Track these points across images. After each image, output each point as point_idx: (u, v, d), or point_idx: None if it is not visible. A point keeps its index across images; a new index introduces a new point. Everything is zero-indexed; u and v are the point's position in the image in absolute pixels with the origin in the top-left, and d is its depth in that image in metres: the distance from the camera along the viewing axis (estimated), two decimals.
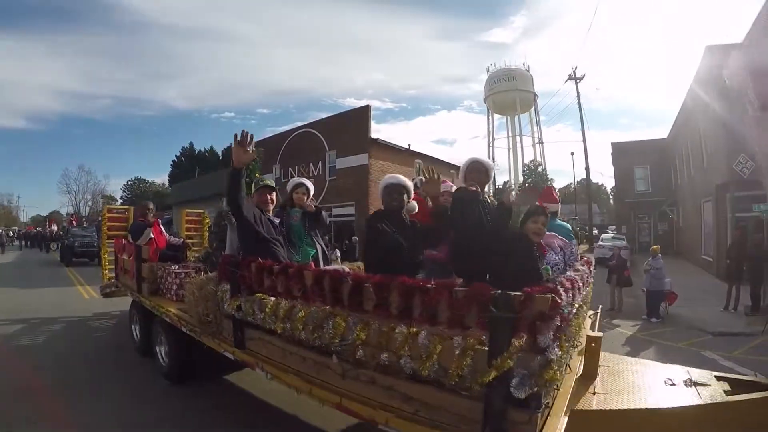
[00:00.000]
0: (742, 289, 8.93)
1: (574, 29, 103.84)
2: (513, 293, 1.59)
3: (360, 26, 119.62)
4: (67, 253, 17.27)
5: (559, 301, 1.59)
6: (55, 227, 29.11)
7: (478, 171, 3.10)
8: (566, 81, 23.48)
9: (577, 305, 2.14)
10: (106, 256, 7.57)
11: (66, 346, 5.61)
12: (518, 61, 47.11)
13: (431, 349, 1.74)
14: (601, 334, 2.99)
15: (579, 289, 2.16)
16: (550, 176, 37.96)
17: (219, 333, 3.28)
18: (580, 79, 23.03)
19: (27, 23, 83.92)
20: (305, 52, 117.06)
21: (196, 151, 48.33)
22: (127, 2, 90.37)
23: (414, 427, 1.85)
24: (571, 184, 39.68)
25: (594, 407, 2.43)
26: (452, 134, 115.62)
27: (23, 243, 31.31)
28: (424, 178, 2.94)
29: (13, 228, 44.12)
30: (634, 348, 6.50)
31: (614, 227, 29.73)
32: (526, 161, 42.54)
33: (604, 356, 3.08)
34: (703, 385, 2.71)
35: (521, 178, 39.15)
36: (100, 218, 10.07)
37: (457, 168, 19.75)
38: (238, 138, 2.74)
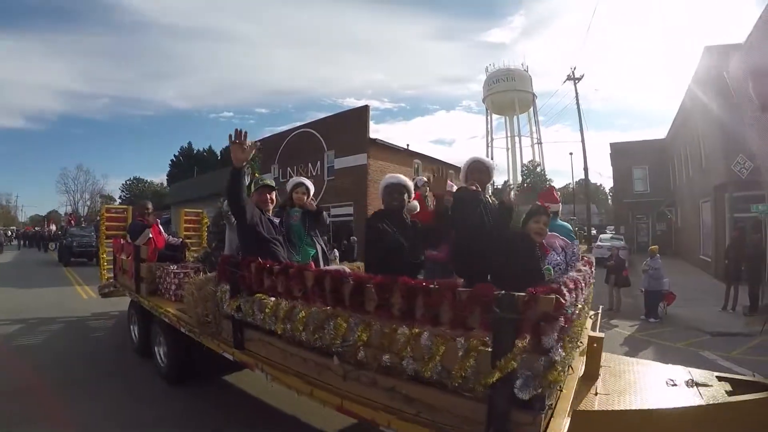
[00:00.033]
0: (740, 290, 8.95)
1: (572, 29, 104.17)
2: (517, 294, 1.58)
3: (359, 26, 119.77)
4: (66, 253, 17.19)
5: (563, 301, 1.57)
6: (53, 227, 29.03)
7: (480, 170, 3.09)
8: (565, 81, 23.53)
9: (580, 306, 2.13)
10: (105, 256, 7.53)
11: (64, 346, 5.58)
12: (517, 62, 47.20)
13: (434, 350, 1.73)
14: (602, 335, 2.98)
15: (582, 289, 2.15)
16: (548, 176, 38.07)
17: (218, 334, 3.26)
18: (579, 79, 23.07)
19: (26, 23, 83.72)
20: (304, 52, 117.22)
21: (195, 151, 48.29)
22: (126, 2, 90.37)
23: (416, 428, 1.83)
24: (569, 184, 39.72)
25: (596, 408, 2.43)
26: (451, 134, 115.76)
27: (21, 243, 31.20)
28: (431, 177, 2.92)
29: (12, 228, 43.93)
30: (633, 348, 6.50)
31: (612, 227, 29.75)
32: (525, 161, 42.66)
33: (604, 357, 3.07)
34: (705, 385, 2.70)
35: (520, 179, 39.22)
36: (98, 218, 10.02)
37: (455, 167, 19.75)
38: (233, 137, 2.73)
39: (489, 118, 47.80)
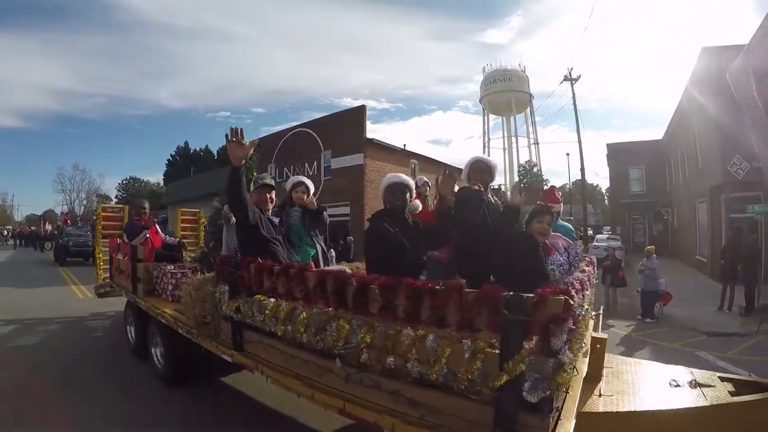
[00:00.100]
0: (736, 290, 8.99)
1: (569, 30, 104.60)
2: (525, 295, 1.56)
3: (356, 27, 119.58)
4: (62, 253, 17.06)
5: (571, 302, 1.55)
6: (49, 226, 28.85)
7: (482, 170, 3.06)
8: (562, 82, 23.43)
9: (586, 306, 2.11)
10: (101, 255, 7.47)
11: (60, 347, 5.53)
12: (514, 62, 47.14)
13: (440, 352, 1.70)
14: (605, 336, 2.97)
15: (586, 289, 2.13)
16: (545, 177, 38.19)
17: (217, 335, 3.22)
18: (576, 80, 22.99)
19: (23, 21, 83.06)
20: (301, 52, 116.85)
21: (191, 151, 48.15)
22: (125, 2, 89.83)
23: None
24: (566, 184, 39.79)
25: (601, 410, 2.41)
26: (448, 134, 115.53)
27: (17, 242, 30.95)
28: (440, 178, 2.89)
29: (7, 227, 43.64)
30: (629, 348, 6.50)
31: (609, 228, 29.88)
32: (522, 162, 42.78)
33: (606, 357, 3.06)
34: (708, 386, 2.70)
35: (517, 179, 39.30)
36: (94, 217, 9.96)
37: (451, 167, 19.70)
38: (229, 136, 2.69)
39: (486, 118, 47.84)
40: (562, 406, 1.81)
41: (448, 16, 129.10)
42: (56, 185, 52.21)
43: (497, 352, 1.62)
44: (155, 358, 4.49)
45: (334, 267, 3.46)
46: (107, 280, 6.73)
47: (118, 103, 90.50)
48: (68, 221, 26.42)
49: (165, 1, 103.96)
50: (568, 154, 41.16)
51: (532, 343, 1.55)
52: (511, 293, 1.57)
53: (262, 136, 23.99)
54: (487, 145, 46.40)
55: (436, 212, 3.06)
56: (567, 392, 1.89)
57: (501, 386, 1.55)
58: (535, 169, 39.84)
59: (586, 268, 2.64)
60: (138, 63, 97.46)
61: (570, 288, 1.66)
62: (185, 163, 44.53)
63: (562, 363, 1.53)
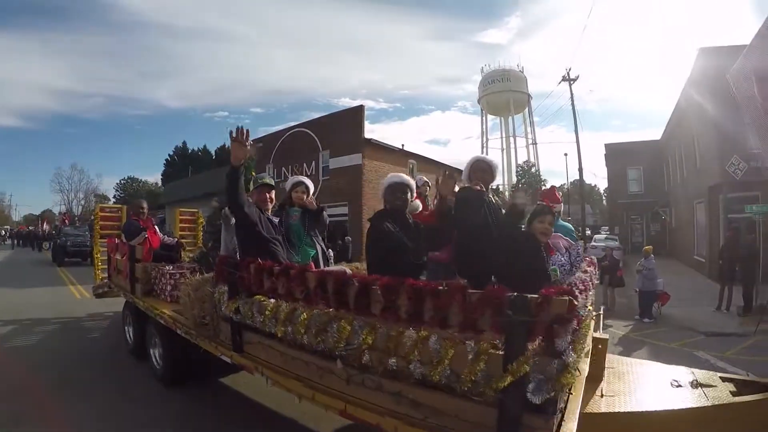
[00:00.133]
0: (734, 290, 9.00)
1: (568, 30, 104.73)
2: (530, 296, 1.54)
3: (354, 27, 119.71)
4: (59, 253, 16.99)
5: (576, 303, 1.54)
6: (47, 226, 28.74)
7: (483, 170, 3.04)
8: (560, 82, 23.48)
9: (589, 307, 2.10)
10: (99, 255, 7.43)
11: (58, 347, 5.50)
12: (512, 62, 47.35)
13: (443, 353, 1.69)
14: (607, 336, 2.96)
15: (589, 290, 2.12)
16: (543, 177, 38.25)
17: (216, 336, 3.20)
18: (574, 80, 23.05)
19: (23, 21, 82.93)
20: (299, 52, 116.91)
21: (190, 150, 48.02)
22: (125, 1, 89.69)
23: None
24: (564, 184, 39.85)
25: (603, 410, 2.40)
26: (446, 135, 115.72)
27: (15, 242, 30.87)
28: (439, 179, 2.87)
29: (5, 227, 43.49)
30: (627, 348, 6.51)
31: (607, 228, 29.92)
32: (520, 162, 42.88)
33: (607, 358, 3.05)
34: (709, 386, 2.70)
35: (515, 179, 39.36)
36: (92, 217, 9.91)
37: (450, 168, 19.70)
38: (234, 134, 2.68)
39: (484, 118, 47.98)
40: (566, 407, 1.80)
41: (448, 16, 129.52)
42: (54, 185, 52.12)
43: (501, 353, 1.61)
44: (154, 359, 4.46)
45: (334, 267, 3.44)
46: (105, 281, 6.68)
47: (116, 103, 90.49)
48: (66, 221, 26.37)
49: (165, 1, 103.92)
50: (566, 155, 41.21)
51: (537, 344, 1.53)
52: (516, 294, 1.56)
53: (260, 136, 23.93)
54: (485, 145, 46.54)
55: (436, 212, 3.04)
56: (570, 393, 1.88)
57: (505, 387, 1.54)
58: (533, 170, 39.91)
59: (588, 269, 2.62)
60: (138, 63, 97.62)
61: (574, 288, 1.64)
62: (183, 163, 44.41)
63: (567, 364, 1.51)
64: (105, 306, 7.29)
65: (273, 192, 3.43)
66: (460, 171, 3.38)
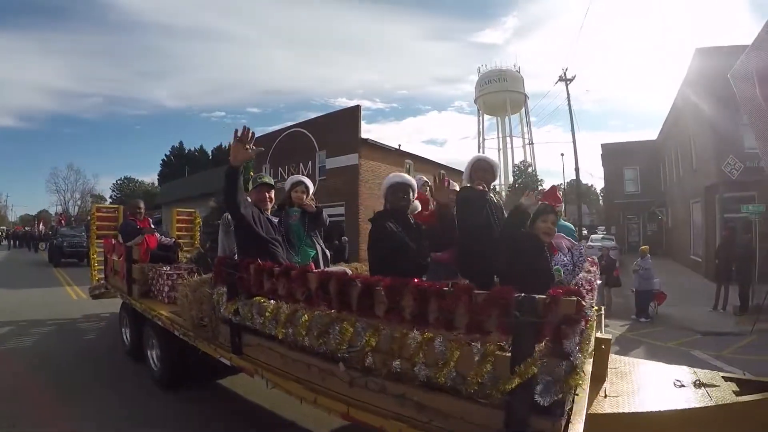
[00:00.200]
0: (730, 289, 9.05)
1: (565, 30, 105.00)
2: (538, 296, 1.52)
3: (351, 26, 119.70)
4: (56, 254, 16.92)
5: (584, 303, 1.52)
6: (43, 227, 28.56)
7: (484, 169, 3.02)
8: (557, 82, 23.51)
9: (594, 307, 2.08)
10: (95, 256, 7.38)
11: (54, 349, 5.45)
12: (509, 62, 47.47)
13: (448, 355, 1.66)
14: (609, 336, 2.94)
15: (594, 290, 2.10)
16: (540, 177, 38.34)
17: (215, 338, 3.15)
18: (571, 80, 23.10)
19: (22, 21, 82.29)
20: (296, 52, 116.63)
21: (186, 151, 47.78)
22: (124, 1, 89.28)
23: None
24: (560, 184, 39.97)
25: (607, 411, 2.38)
26: (443, 135, 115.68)
27: (11, 243, 30.63)
28: (431, 186, 2.84)
29: (1, 227, 43.15)
30: (624, 348, 6.51)
31: (603, 228, 29.99)
32: (517, 162, 42.94)
33: (610, 358, 3.04)
34: (712, 386, 2.68)
35: (511, 179, 39.44)
36: (89, 218, 9.84)
37: (446, 168, 19.75)
38: (239, 134, 2.65)
39: (481, 118, 48.05)
40: (572, 409, 1.78)
41: (444, 16, 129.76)
42: (50, 185, 51.70)
43: (508, 354, 1.58)
44: (151, 361, 4.42)
45: (334, 268, 3.41)
46: (102, 282, 6.63)
47: (113, 103, 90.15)
48: (62, 222, 26.24)
49: (164, 1, 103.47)
50: (562, 155, 41.48)
51: (545, 346, 1.51)
52: (523, 294, 1.54)
53: (257, 136, 23.85)
54: (482, 145, 46.58)
55: (436, 213, 3.02)
56: (576, 394, 1.86)
57: (512, 389, 1.51)
58: (529, 170, 39.99)
59: (591, 269, 2.61)
60: (136, 63, 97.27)
61: (581, 288, 1.62)
62: (180, 163, 44.19)
63: (575, 365, 1.49)
64: (102, 307, 7.24)
65: (273, 191, 3.40)
66: (457, 172, 3.35)
